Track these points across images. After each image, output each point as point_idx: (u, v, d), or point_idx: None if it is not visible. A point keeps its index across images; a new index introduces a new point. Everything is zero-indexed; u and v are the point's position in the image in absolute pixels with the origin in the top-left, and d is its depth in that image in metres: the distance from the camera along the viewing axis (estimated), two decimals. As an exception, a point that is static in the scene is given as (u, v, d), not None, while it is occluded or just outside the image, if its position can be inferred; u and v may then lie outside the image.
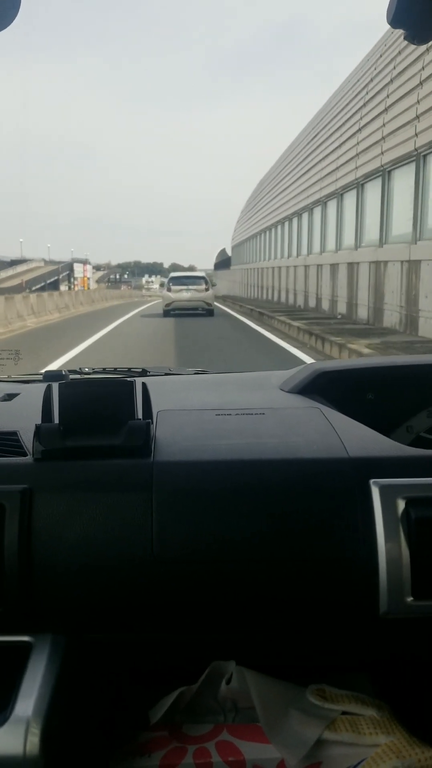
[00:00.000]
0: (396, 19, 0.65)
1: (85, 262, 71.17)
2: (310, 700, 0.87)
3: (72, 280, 62.70)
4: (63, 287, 58.08)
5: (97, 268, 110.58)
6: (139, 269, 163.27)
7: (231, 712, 0.91)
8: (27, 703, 0.68)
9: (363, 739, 0.84)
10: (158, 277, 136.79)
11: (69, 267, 64.31)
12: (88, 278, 68.09)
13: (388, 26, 0.69)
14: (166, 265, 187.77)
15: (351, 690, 0.90)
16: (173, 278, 18.70)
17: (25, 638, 0.76)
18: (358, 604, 0.76)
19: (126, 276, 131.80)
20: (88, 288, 64.89)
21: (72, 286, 60.89)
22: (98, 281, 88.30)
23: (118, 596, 0.76)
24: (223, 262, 53.40)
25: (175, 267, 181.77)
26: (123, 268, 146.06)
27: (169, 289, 18.04)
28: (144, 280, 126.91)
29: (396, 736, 0.84)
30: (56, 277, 57.79)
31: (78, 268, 65.82)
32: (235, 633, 0.81)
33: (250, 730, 0.88)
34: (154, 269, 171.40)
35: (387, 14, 0.67)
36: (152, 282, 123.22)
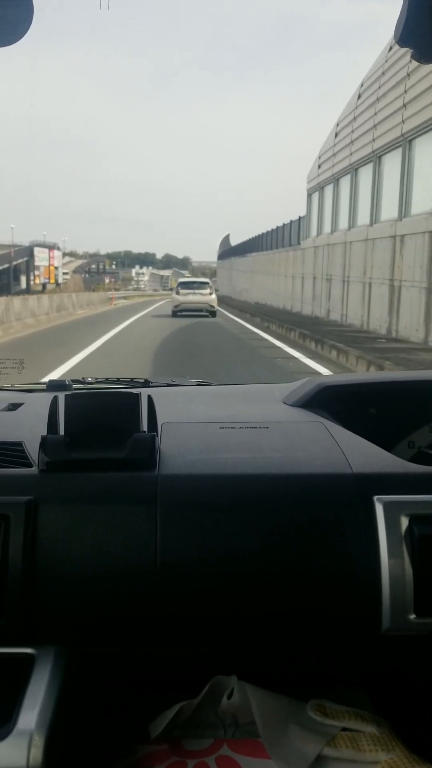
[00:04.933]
0: (403, 38, 0.88)
1: (51, 246, 64.29)
2: (311, 716, 1.11)
3: (32, 270, 56.41)
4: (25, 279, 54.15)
5: (82, 256, 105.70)
6: (129, 259, 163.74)
7: (231, 727, 1.14)
8: (30, 715, 0.84)
9: (363, 756, 1.07)
10: (149, 268, 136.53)
11: (28, 252, 57.08)
12: (56, 267, 63.69)
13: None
14: (159, 256, 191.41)
15: (351, 706, 1.14)
16: (182, 283, 27.50)
17: (28, 650, 0.95)
18: (360, 620, 0.98)
19: (114, 266, 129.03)
20: (56, 281, 60.91)
21: (32, 279, 55.77)
22: (75, 272, 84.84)
23: (122, 608, 0.96)
24: (228, 252, 51.42)
25: (168, 258, 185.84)
26: (112, 257, 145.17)
27: (177, 293, 26.42)
28: (134, 272, 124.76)
29: (396, 753, 1.07)
30: (7, 265, 51.21)
31: (41, 255, 58.93)
32: (237, 645, 1.03)
33: (251, 746, 1.11)
34: (146, 260, 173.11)
35: (395, 34, 0.90)
36: (143, 274, 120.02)
